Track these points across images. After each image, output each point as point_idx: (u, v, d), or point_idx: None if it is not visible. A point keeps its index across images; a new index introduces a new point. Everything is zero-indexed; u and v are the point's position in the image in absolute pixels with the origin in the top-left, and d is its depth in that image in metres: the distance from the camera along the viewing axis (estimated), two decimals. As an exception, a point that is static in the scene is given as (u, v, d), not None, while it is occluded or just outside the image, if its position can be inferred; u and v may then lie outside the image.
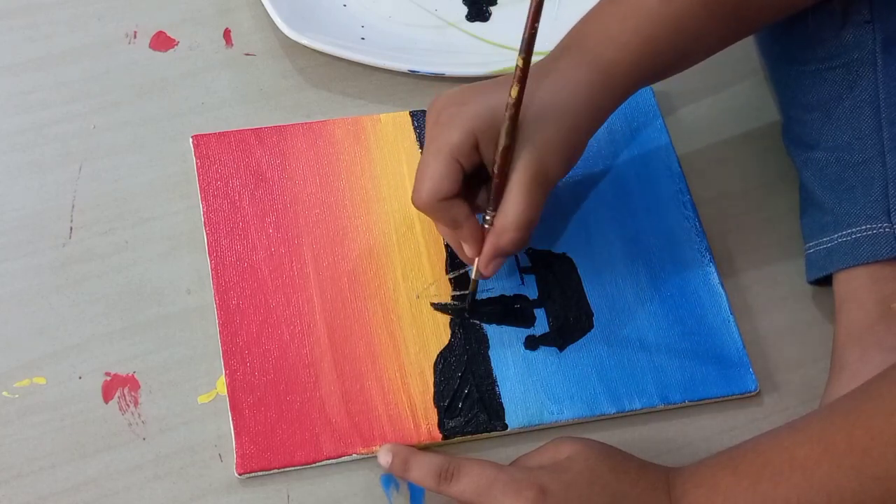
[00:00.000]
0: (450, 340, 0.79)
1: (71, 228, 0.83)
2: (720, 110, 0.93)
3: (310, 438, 0.75)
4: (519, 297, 0.81)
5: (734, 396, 0.79)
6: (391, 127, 0.88)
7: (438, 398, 0.77)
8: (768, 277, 0.85)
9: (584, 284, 0.82)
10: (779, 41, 0.87)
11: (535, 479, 0.68)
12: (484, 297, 0.81)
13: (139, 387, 0.77)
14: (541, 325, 0.80)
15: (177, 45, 0.93)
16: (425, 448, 0.75)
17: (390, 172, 0.86)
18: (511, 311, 0.81)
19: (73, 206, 0.84)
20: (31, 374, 0.77)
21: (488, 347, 0.79)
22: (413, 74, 0.91)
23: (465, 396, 0.77)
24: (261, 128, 0.87)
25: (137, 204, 0.84)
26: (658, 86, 0.92)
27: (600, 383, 0.78)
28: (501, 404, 0.77)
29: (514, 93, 0.70)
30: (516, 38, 0.93)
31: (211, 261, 0.81)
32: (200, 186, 0.84)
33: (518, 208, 0.72)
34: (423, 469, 0.71)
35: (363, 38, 0.93)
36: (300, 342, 0.78)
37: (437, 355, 0.78)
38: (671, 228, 0.85)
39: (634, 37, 0.75)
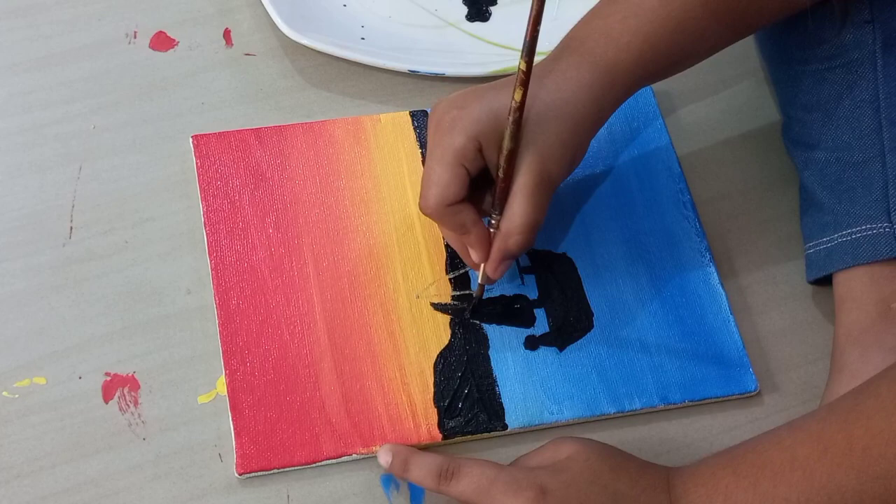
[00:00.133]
0: (450, 340, 0.79)
1: (71, 228, 0.83)
2: (720, 110, 0.93)
3: (310, 438, 0.75)
4: (519, 297, 0.81)
5: (734, 396, 0.79)
6: (391, 127, 0.88)
7: (438, 398, 0.77)
8: (768, 277, 0.85)
9: (584, 284, 0.82)
10: (779, 41, 0.87)
11: (534, 479, 0.68)
12: (484, 297, 0.81)
13: (139, 387, 0.77)
14: (541, 325, 0.80)
15: (177, 45, 0.93)
16: (425, 448, 0.75)
17: (390, 172, 0.86)
18: (511, 311, 0.81)
19: (73, 206, 0.84)
20: (31, 374, 0.77)
21: (488, 347, 0.79)
22: (413, 74, 0.91)
23: (465, 396, 0.77)
24: (261, 128, 0.87)
25: (137, 204, 0.84)
26: (658, 86, 0.92)
27: (600, 383, 0.78)
28: (501, 404, 0.77)
29: (517, 97, 0.70)
30: (516, 38, 0.94)
31: (211, 261, 0.81)
32: (200, 186, 0.84)
33: (523, 211, 0.72)
34: (422, 469, 0.71)
35: (363, 38, 0.93)
36: (300, 342, 0.78)
37: (437, 355, 0.78)
38: (671, 228, 0.85)
39: (635, 37, 0.75)
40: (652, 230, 0.85)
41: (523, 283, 0.82)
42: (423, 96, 0.91)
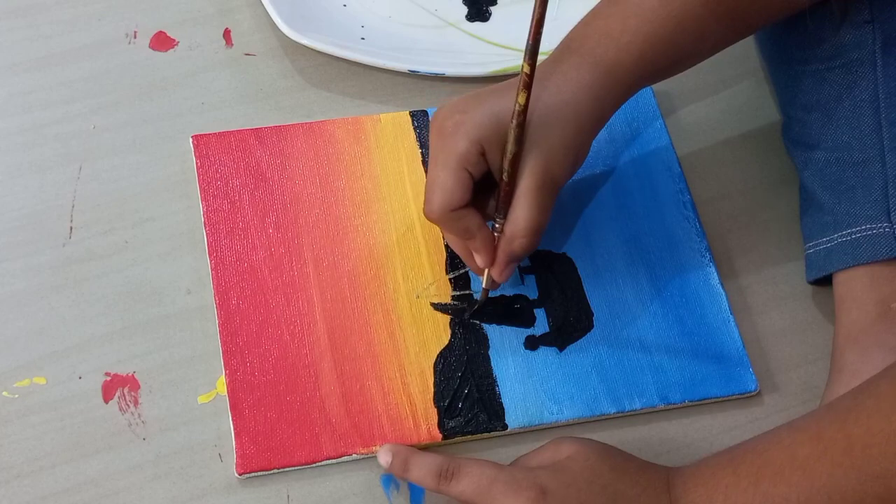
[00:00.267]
0: (450, 340, 0.79)
1: (71, 228, 0.83)
2: (720, 110, 0.93)
3: (310, 438, 0.75)
4: (519, 297, 0.81)
5: (734, 396, 0.79)
6: (391, 127, 0.88)
7: (438, 398, 0.77)
8: (768, 277, 0.85)
9: (584, 284, 0.82)
10: (779, 41, 0.87)
11: (534, 479, 0.68)
12: (484, 297, 0.81)
13: (139, 387, 0.77)
14: (541, 325, 0.80)
15: (177, 45, 0.93)
16: (425, 448, 0.75)
17: (390, 172, 0.86)
18: (511, 311, 0.81)
19: (73, 206, 0.84)
20: (31, 374, 0.77)
21: (488, 347, 0.79)
22: (413, 74, 0.91)
23: (465, 396, 0.77)
24: (261, 128, 0.87)
25: (137, 204, 0.84)
26: (658, 86, 0.92)
27: (600, 383, 0.78)
28: (501, 404, 0.77)
29: (521, 100, 0.70)
30: (516, 38, 0.94)
31: (211, 261, 0.81)
32: (200, 186, 0.84)
33: (528, 213, 0.73)
34: (422, 469, 0.71)
35: (363, 38, 0.93)
36: (300, 342, 0.78)
37: (437, 355, 0.78)
38: (671, 229, 0.85)
39: (636, 37, 0.75)
40: (652, 230, 0.85)
41: (523, 283, 0.82)
42: (423, 96, 0.91)
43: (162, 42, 0.93)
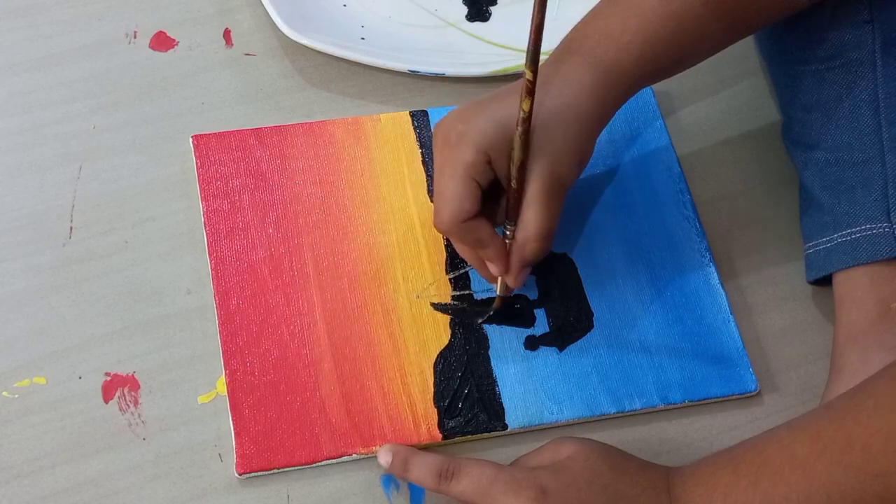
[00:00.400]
0: (450, 340, 0.79)
1: (71, 228, 0.83)
2: (720, 110, 0.93)
3: (310, 438, 0.75)
4: (519, 297, 0.81)
5: (734, 396, 0.79)
6: (391, 127, 0.88)
7: (438, 398, 0.77)
8: (768, 277, 0.85)
9: (584, 284, 0.82)
10: (778, 41, 0.87)
11: (534, 479, 0.68)
12: (484, 297, 0.81)
13: (139, 387, 0.77)
14: (541, 325, 0.80)
15: (177, 45, 0.93)
16: (425, 448, 0.75)
17: (390, 172, 0.86)
18: (511, 311, 0.81)
19: (73, 206, 0.84)
20: (31, 374, 0.77)
21: (488, 347, 0.79)
22: (413, 74, 0.91)
23: (465, 396, 0.77)
24: (261, 128, 0.87)
25: (137, 204, 0.84)
26: (658, 86, 0.92)
27: (600, 383, 0.78)
28: (501, 404, 0.77)
29: (525, 107, 0.70)
30: (516, 38, 0.94)
31: (211, 261, 0.81)
32: (200, 186, 0.84)
33: (539, 217, 0.73)
34: (422, 469, 0.71)
35: (363, 38, 0.93)
36: (300, 342, 0.78)
37: (437, 355, 0.78)
38: (671, 228, 0.85)
39: (636, 37, 0.75)
40: (652, 230, 0.85)
41: (523, 283, 0.82)
42: (423, 96, 0.91)
43: (162, 42, 0.93)
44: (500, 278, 0.77)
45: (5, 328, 0.78)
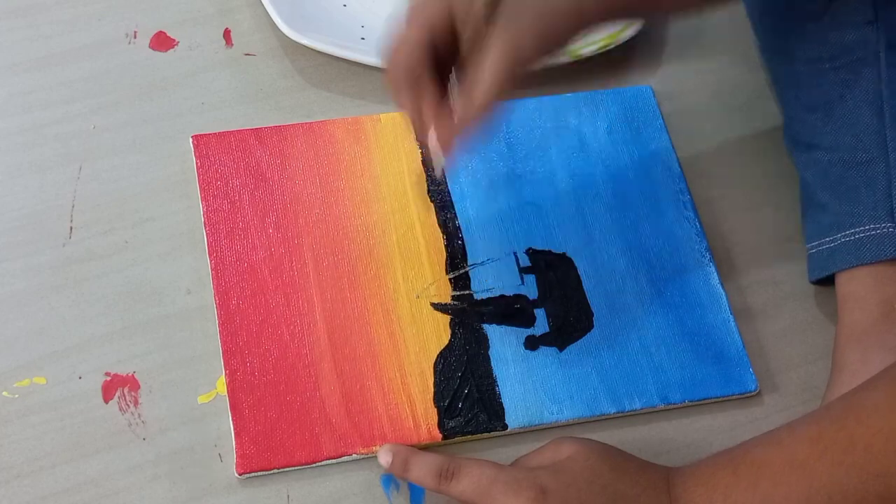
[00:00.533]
0: (450, 340, 0.79)
1: (71, 228, 0.83)
2: (720, 110, 0.93)
3: (310, 438, 0.75)
4: (519, 297, 0.81)
5: (734, 396, 0.79)
6: (391, 127, 0.88)
7: (438, 398, 0.77)
8: (768, 277, 0.85)
9: (584, 284, 0.82)
10: (781, 40, 0.87)
11: (534, 479, 0.68)
12: (484, 297, 0.81)
13: (139, 387, 0.77)
14: (541, 325, 0.80)
15: (177, 45, 0.93)
16: (425, 448, 0.75)
17: (390, 172, 0.86)
18: (511, 311, 0.81)
19: (73, 206, 0.84)
20: (31, 374, 0.77)
21: (488, 347, 0.79)
22: (413, 74, 0.91)
23: (465, 396, 0.77)
24: (261, 128, 0.87)
25: (137, 204, 0.84)
26: (658, 86, 0.92)
27: (600, 383, 0.78)
28: (501, 404, 0.77)
29: None
30: (516, 38, 0.94)
31: (211, 261, 0.81)
32: (200, 186, 0.84)
33: (491, 72, 0.69)
34: (423, 469, 0.71)
35: (363, 38, 0.93)
36: (300, 342, 0.78)
37: (437, 355, 0.78)
38: (671, 228, 0.85)
39: None
40: (652, 230, 0.85)
41: (523, 283, 0.82)
42: (423, 96, 0.91)
43: (162, 42, 0.93)
44: (433, 138, 0.73)
45: (5, 328, 0.78)
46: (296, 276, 0.80)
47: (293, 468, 0.74)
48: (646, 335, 0.80)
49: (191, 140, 0.86)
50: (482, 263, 0.82)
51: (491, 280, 0.82)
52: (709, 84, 0.94)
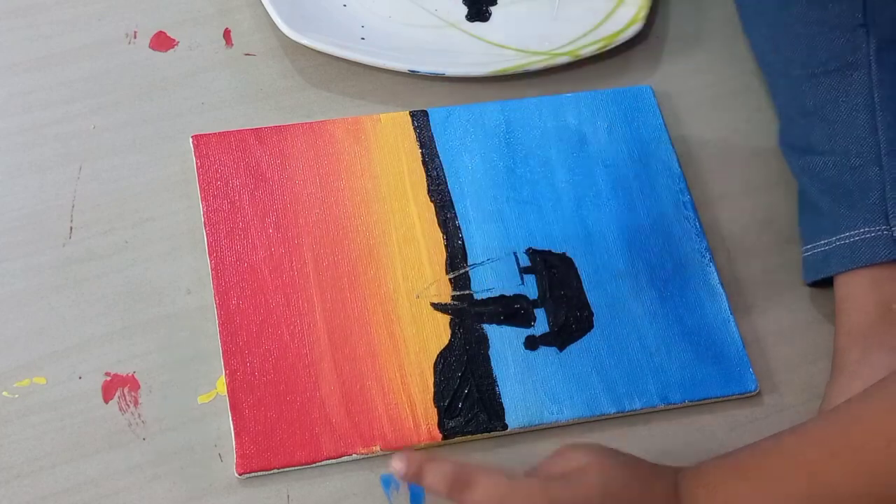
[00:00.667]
0: (450, 340, 0.79)
1: (71, 228, 0.83)
2: (720, 110, 0.93)
3: (310, 438, 0.75)
4: (519, 297, 0.81)
5: (734, 396, 0.79)
6: (391, 127, 0.88)
7: (438, 398, 0.77)
8: (768, 278, 0.85)
9: (584, 284, 0.82)
10: (774, 46, 0.87)
11: (548, 493, 0.68)
12: (484, 297, 0.81)
13: (139, 387, 0.77)
14: (541, 325, 0.80)
15: (177, 45, 0.93)
16: (425, 448, 0.75)
17: (390, 172, 0.86)
18: (511, 311, 0.81)
19: (73, 206, 0.84)
20: (31, 374, 0.77)
21: (488, 347, 0.79)
22: (413, 74, 0.91)
23: (465, 396, 0.77)
24: (261, 128, 0.87)
25: (137, 204, 0.84)
26: (658, 86, 0.92)
27: (600, 383, 0.78)
28: (501, 404, 0.77)
29: None
30: (516, 39, 0.94)
31: (211, 261, 0.81)
32: (200, 186, 0.84)
33: None
34: (436, 476, 0.70)
35: (363, 38, 0.93)
36: (300, 342, 0.78)
37: (437, 355, 0.78)
38: (671, 228, 0.85)
39: None
40: (652, 230, 0.85)
41: (523, 283, 0.82)
42: (423, 96, 0.91)
43: (162, 42, 0.93)
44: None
45: (5, 328, 0.78)
46: (296, 276, 0.80)
47: (293, 468, 0.74)
48: (646, 335, 0.80)
49: (191, 140, 0.86)
50: (482, 263, 0.82)
51: (491, 280, 0.82)
52: (709, 84, 0.94)
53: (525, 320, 0.80)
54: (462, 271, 0.82)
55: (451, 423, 0.76)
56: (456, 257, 0.82)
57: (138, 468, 0.74)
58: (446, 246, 0.83)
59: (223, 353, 0.77)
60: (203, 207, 0.83)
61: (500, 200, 0.85)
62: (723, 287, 0.83)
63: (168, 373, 0.77)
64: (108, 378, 0.77)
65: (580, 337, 0.80)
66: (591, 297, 0.82)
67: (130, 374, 0.77)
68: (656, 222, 0.85)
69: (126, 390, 0.77)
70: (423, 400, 0.77)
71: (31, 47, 0.92)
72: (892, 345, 0.76)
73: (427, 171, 0.86)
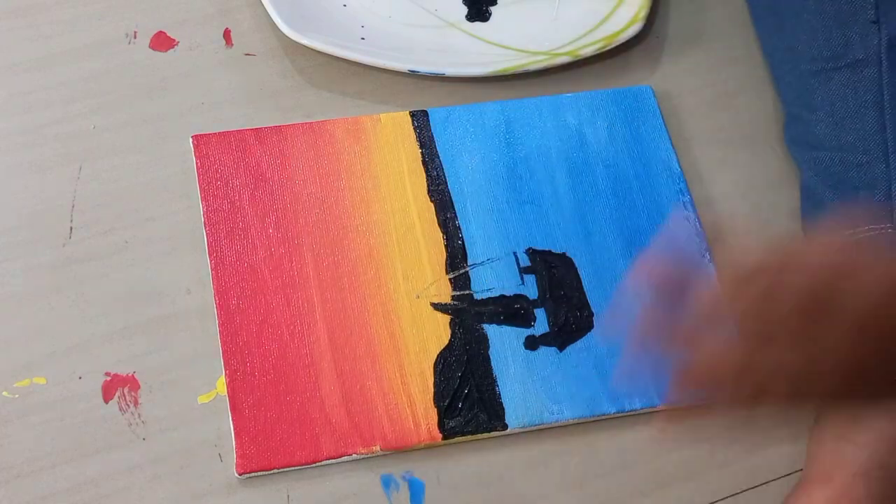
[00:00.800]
0: (450, 340, 0.79)
1: (71, 228, 0.83)
2: (720, 110, 0.93)
3: (310, 438, 0.75)
4: (519, 297, 0.81)
5: (734, 396, 0.79)
6: (391, 127, 0.88)
7: (438, 398, 0.77)
8: (768, 277, 0.85)
9: (584, 284, 0.82)
10: (784, 40, 0.87)
11: None
12: (484, 297, 0.81)
13: (139, 387, 0.77)
14: (541, 325, 0.80)
15: (177, 45, 0.93)
16: (425, 448, 0.75)
17: (390, 172, 0.86)
18: (511, 311, 0.81)
19: (73, 206, 0.84)
20: (31, 374, 0.77)
21: (488, 347, 0.79)
22: (413, 74, 0.91)
23: (465, 396, 0.77)
24: (261, 128, 0.87)
25: (137, 204, 0.84)
26: (658, 86, 0.92)
27: (600, 383, 0.78)
28: (501, 404, 0.77)
29: None
30: (516, 39, 0.94)
31: (211, 261, 0.81)
32: (200, 186, 0.84)
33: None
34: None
35: (363, 38, 0.93)
36: (300, 342, 0.78)
37: (437, 355, 0.78)
38: (671, 228, 0.85)
39: None
40: (652, 230, 0.85)
41: (523, 283, 0.82)
42: (423, 96, 0.91)
43: (162, 42, 0.93)
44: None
45: (5, 328, 0.78)
46: (296, 276, 0.80)
47: (293, 468, 0.74)
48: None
49: (191, 140, 0.86)
50: (482, 263, 0.82)
51: (491, 280, 0.82)
52: (709, 84, 0.94)
53: (525, 320, 0.80)
54: (462, 271, 0.82)
55: (451, 423, 0.76)
56: (456, 257, 0.82)
57: (138, 468, 0.74)
58: (446, 246, 0.83)
59: (223, 353, 0.77)
60: (203, 207, 0.83)
61: (500, 200, 0.85)
62: (723, 287, 0.83)
63: (168, 373, 0.77)
64: (108, 378, 0.77)
65: (580, 337, 0.80)
66: (591, 297, 0.82)
67: (130, 374, 0.77)
68: (656, 222, 0.85)
69: (126, 390, 0.77)
70: (423, 400, 0.77)
71: (31, 47, 0.92)
72: None
73: (427, 171, 0.86)
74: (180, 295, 0.80)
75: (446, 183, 0.85)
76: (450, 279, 0.82)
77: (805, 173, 0.84)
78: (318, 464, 0.74)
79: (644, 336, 0.60)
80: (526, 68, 0.91)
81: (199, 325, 0.79)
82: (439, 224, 0.84)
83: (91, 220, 0.83)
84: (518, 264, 0.83)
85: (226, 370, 0.77)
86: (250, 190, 0.84)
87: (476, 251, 0.83)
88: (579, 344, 0.80)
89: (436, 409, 0.76)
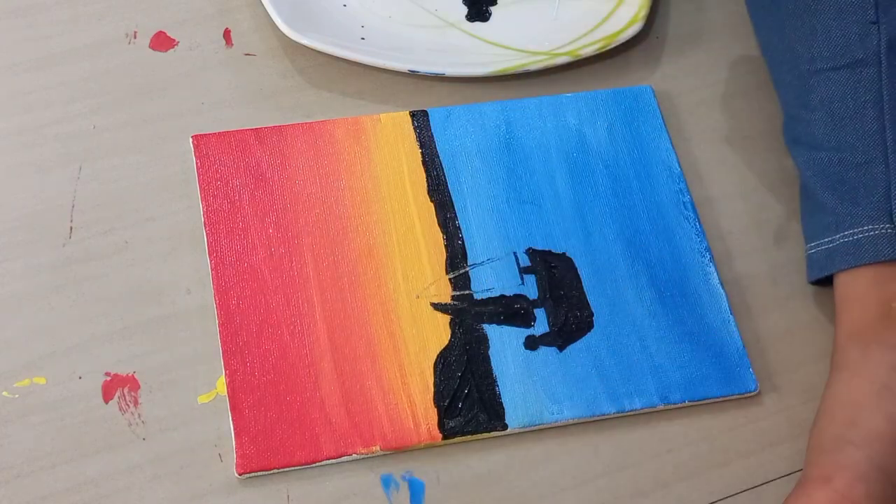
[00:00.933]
0: (450, 340, 0.79)
1: (71, 228, 0.83)
2: (720, 110, 0.93)
3: (310, 438, 0.75)
4: (519, 297, 0.81)
5: (734, 396, 0.79)
6: (391, 127, 0.88)
7: (438, 398, 0.77)
8: (768, 278, 0.85)
9: (584, 284, 0.82)
10: (783, 39, 0.87)
11: None
12: (484, 297, 0.81)
13: (139, 387, 0.77)
14: (541, 325, 0.80)
15: (177, 45, 0.93)
16: (425, 448, 0.75)
17: (390, 172, 0.86)
18: (511, 311, 0.81)
19: (73, 206, 0.84)
20: (31, 374, 0.77)
21: (488, 347, 0.79)
22: (413, 74, 0.91)
23: (465, 396, 0.77)
24: (261, 128, 0.87)
25: (137, 204, 0.84)
26: (658, 86, 0.92)
27: (600, 383, 0.78)
28: (501, 404, 0.77)
29: None
30: (516, 39, 0.94)
31: (211, 261, 0.81)
32: (200, 186, 0.84)
33: None
34: None
35: (363, 38, 0.93)
36: (300, 342, 0.78)
37: (437, 355, 0.78)
38: (671, 228, 0.85)
39: None
40: (652, 230, 0.85)
41: (523, 283, 0.82)
42: (423, 96, 0.91)
43: (162, 42, 0.93)
44: None
45: (5, 328, 0.78)
46: (296, 276, 0.80)
47: (293, 468, 0.74)
48: (646, 335, 0.80)
49: (191, 140, 0.86)
50: (482, 263, 0.82)
51: (491, 280, 0.82)
52: (709, 84, 0.94)
53: (525, 320, 0.80)
54: (462, 271, 0.82)
55: (451, 423, 0.76)
56: (456, 257, 0.82)
57: (138, 468, 0.74)
58: (446, 246, 0.83)
59: (223, 353, 0.77)
60: (203, 207, 0.83)
61: (500, 200, 0.85)
62: (723, 287, 0.83)
63: (168, 373, 0.77)
64: (108, 378, 0.77)
65: (580, 337, 0.80)
66: (591, 297, 0.82)
67: (130, 374, 0.77)
68: (656, 222, 0.85)
69: (126, 390, 0.77)
70: (423, 400, 0.77)
71: (31, 47, 0.92)
72: (893, 342, 0.76)
73: (427, 171, 0.86)
74: (180, 295, 0.80)
75: (446, 183, 0.86)
76: (450, 279, 0.82)
77: (804, 174, 0.84)
78: (318, 464, 0.74)
79: None
80: (526, 68, 0.91)
81: (199, 325, 0.79)
82: (439, 224, 0.84)
83: (91, 220, 0.83)
84: (518, 264, 0.83)
85: (226, 370, 0.77)
86: (250, 190, 0.84)
87: (476, 251, 0.83)
88: (579, 344, 0.80)
89: (436, 409, 0.76)
